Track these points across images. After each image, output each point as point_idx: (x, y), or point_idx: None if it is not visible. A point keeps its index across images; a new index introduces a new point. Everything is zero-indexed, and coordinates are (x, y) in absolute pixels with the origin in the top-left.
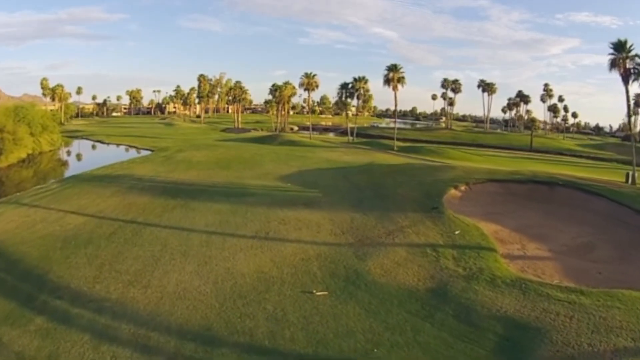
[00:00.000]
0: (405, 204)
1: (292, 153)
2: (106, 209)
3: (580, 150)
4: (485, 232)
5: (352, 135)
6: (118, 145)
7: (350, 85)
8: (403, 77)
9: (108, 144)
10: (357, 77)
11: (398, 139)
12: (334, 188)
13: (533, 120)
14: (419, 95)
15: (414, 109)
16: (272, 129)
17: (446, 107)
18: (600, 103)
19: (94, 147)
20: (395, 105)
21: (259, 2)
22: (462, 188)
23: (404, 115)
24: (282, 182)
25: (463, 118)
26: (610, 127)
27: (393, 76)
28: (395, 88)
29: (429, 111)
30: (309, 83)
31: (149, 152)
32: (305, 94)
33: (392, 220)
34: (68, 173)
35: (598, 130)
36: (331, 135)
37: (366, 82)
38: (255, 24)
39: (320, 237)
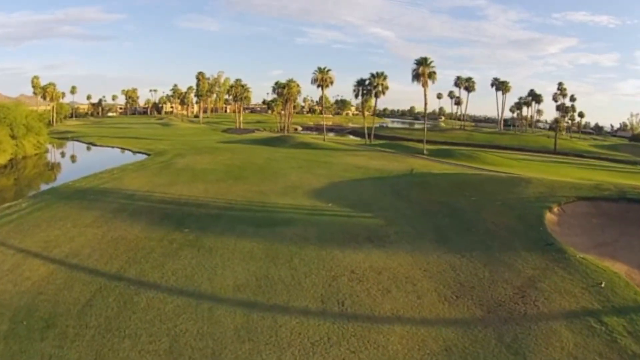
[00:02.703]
0: (505, 236)
1: (312, 158)
2: (83, 248)
3: (598, 152)
4: (625, 277)
5: (369, 137)
6: (112, 147)
7: (367, 82)
8: (434, 72)
9: (100, 146)
10: (374, 72)
11: (414, 140)
12: (393, 210)
13: (558, 121)
14: (416, 95)
15: (412, 108)
16: (274, 129)
17: (452, 107)
18: (597, 102)
19: (83, 150)
20: (425, 104)
21: (255, 2)
22: (555, 210)
23: (402, 114)
24: (319, 200)
25: (462, 118)
26: (612, 126)
27: (423, 70)
28: (425, 84)
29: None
30: (322, 79)
31: (144, 156)
32: (305, 94)
33: (510, 267)
34: (47, 184)
35: (599, 129)
36: (331, 135)
37: (385, 78)
38: (252, 23)
39: (427, 306)
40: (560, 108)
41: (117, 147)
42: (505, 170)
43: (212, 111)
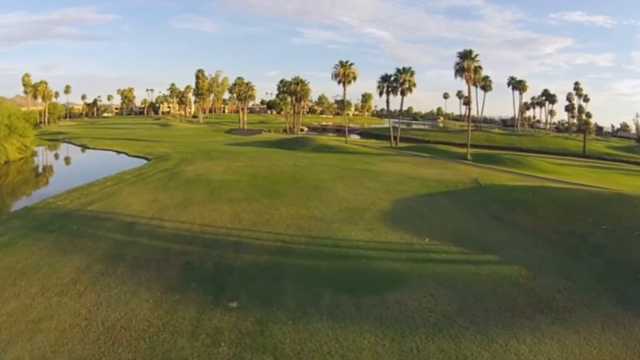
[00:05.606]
0: None
1: (346, 165)
2: (54, 356)
3: (618, 155)
4: None
5: (394, 139)
6: (106, 150)
7: (392, 78)
8: (480, 67)
9: (93, 149)
10: (400, 68)
11: (432, 142)
12: (519, 247)
13: (587, 123)
14: (412, 95)
15: (410, 108)
16: (280, 129)
17: (461, 107)
18: (594, 102)
19: (74, 153)
20: (469, 102)
21: (251, 2)
22: None
23: (399, 115)
24: (404, 231)
25: (460, 118)
26: (612, 127)
27: (468, 65)
28: (469, 79)
29: (423, 111)
30: (345, 74)
31: (143, 161)
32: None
33: None
34: (23, 200)
35: (598, 130)
36: (331, 135)
37: (412, 74)
38: (248, 24)
39: None
40: (569, 109)
41: (112, 150)
42: (564, 179)
43: (210, 111)
